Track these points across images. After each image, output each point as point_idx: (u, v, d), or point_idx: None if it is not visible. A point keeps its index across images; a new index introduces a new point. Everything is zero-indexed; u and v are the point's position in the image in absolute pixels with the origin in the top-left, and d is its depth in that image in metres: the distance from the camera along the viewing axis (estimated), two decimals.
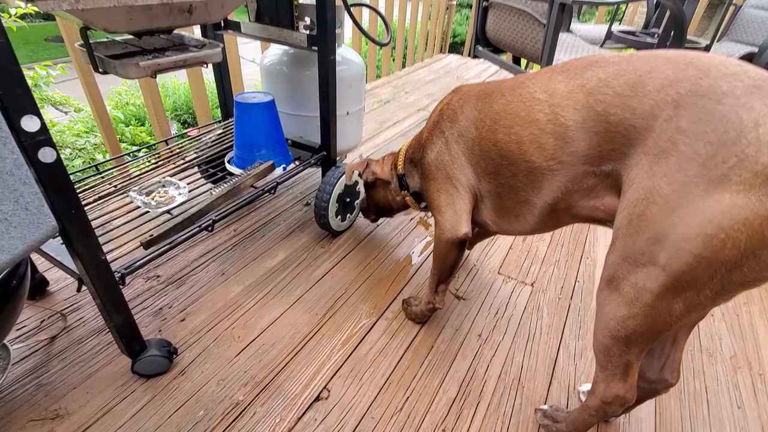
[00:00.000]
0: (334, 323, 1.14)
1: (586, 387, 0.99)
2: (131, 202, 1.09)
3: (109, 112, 1.60)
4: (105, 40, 0.99)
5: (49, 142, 0.63)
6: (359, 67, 1.49)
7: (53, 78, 2.95)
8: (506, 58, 2.78)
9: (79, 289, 0.82)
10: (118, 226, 1.00)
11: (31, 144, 0.61)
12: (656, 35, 2.45)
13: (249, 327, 1.10)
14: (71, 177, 0.73)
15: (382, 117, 2.57)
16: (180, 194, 1.14)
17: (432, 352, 1.08)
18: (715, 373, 1.08)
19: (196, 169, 1.38)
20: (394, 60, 3.51)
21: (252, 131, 1.25)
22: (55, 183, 0.66)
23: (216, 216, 1.05)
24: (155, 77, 0.92)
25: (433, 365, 1.04)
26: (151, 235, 0.94)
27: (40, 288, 1.14)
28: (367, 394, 0.97)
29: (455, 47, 5.80)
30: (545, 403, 0.97)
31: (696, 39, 2.38)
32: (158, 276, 1.25)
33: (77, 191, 1.07)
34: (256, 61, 3.33)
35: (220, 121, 1.56)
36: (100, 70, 0.90)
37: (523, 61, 2.41)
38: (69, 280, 1.19)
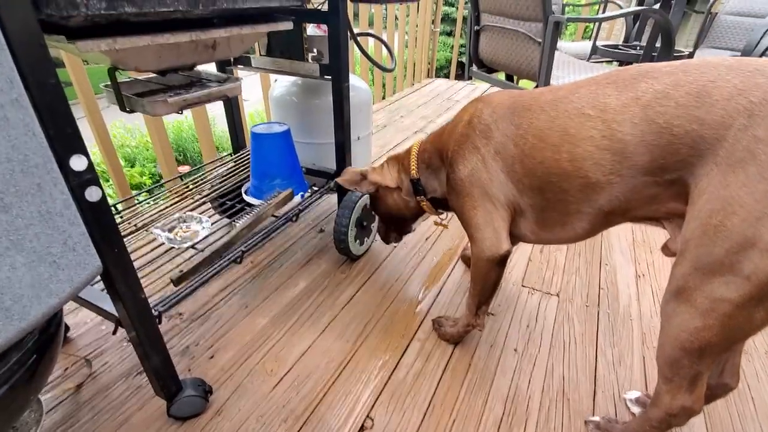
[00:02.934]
0: (367, 349, 1.11)
1: (632, 394, 0.98)
2: (154, 239, 1.08)
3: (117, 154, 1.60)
4: (127, 79, 1.00)
5: (96, 181, 0.62)
6: (366, 93, 1.52)
7: None
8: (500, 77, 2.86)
9: (115, 332, 0.80)
10: (145, 265, 0.98)
11: (78, 183, 0.60)
12: (639, 47, 2.56)
13: (281, 359, 1.07)
14: None
15: (382, 141, 2.60)
16: (203, 228, 1.12)
17: (470, 370, 1.06)
18: (755, 371, 1.08)
19: (209, 204, 1.37)
20: (385, 86, 3.59)
21: (269, 161, 1.26)
22: (100, 222, 0.65)
23: (244, 247, 1.04)
24: (182, 113, 0.93)
25: (474, 384, 1.02)
26: (181, 271, 0.92)
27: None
28: (412, 420, 0.94)
29: (438, 71, 5.97)
30: (593, 414, 0.95)
31: (679, 48, 2.49)
32: (181, 314, 1.22)
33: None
34: (244, 97, 3.38)
35: (231, 154, 1.57)
36: (127, 108, 0.90)
37: (515, 78, 2.48)
38: (90, 325, 1.15)
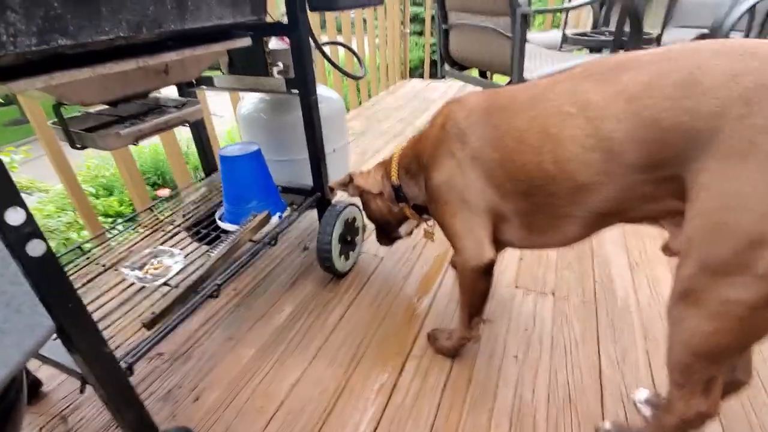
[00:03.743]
0: (362, 372, 1.06)
1: (642, 395, 0.94)
2: (124, 279, 1.01)
3: (80, 185, 1.51)
4: (78, 114, 0.94)
5: (37, 234, 0.56)
6: (338, 103, 1.47)
7: (17, 163, 2.93)
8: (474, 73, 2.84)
9: (82, 390, 0.73)
10: (114, 310, 0.91)
11: (17, 238, 0.54)
12: (607, 33, 2.56)
13: (270, 394, 1.01)
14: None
15: (361, 148, 2.55)
16: (176, 262, 1.06)
17: (472, 384, 1.01)
18: (763, 358, 1.05)
19: (184, 233, 1.30)
20: (359, 91, 3.54)
21: (241, 184, 1.20)
22: (47, 277, 0.58)
23: (220, 280, 0.97)
24: (137, 144, 0.86)
25: (477, 399, 0.98)
26: (153, 313, 0.86)
27: (33, 390, 1.02)
28: None
29: (413, 71, 5.95)
30: (603, 419, 0.91)
31: (647, 30, 2.50)
32: (161, 354, 1.15)
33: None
34: (218, 113, 3.30)
35: (202, 179, 1.50)
36: (78, 145, 0.83)
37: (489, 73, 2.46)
38: (63, 377, 1.08)
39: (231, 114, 1.93)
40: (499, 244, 0.91)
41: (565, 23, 2.56)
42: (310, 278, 1.41)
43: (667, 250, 0.74)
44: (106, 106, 0.93)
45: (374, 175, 1.13)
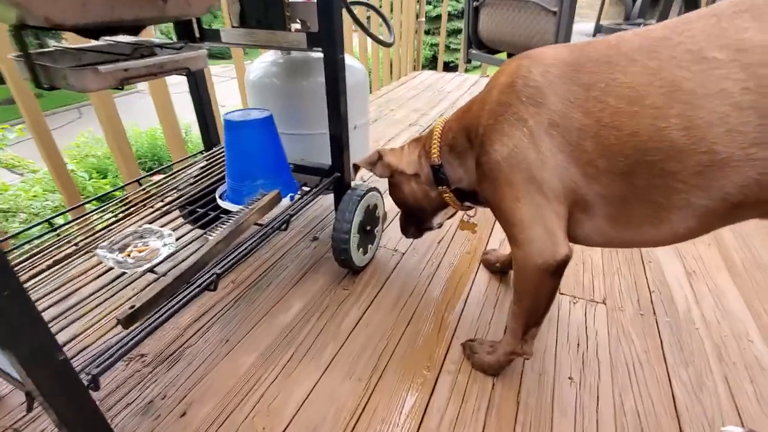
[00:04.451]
0: (385, 388, 0.87)
1: (734, 431, 0.76)
2: (100, 263, 0.82)
3: (67, 167, 1.32)
4: (52, 49, 0.74)
5: None
6: (363, 74, 1.28)
7: (9, 140, 2.79)
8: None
9: (29, 409, 0.54)
10: (83, 302, 0.72)
11: None
12: (643, 24, 2.39)
13: (275, 411, 0.82)
14: (12, 240, 0.47)
15: (374, 135, 2.36)
16: (165, 245, 0.87)
17: (521, 410, 0.83)
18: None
19: (177, 214, 1.11)
20: (369, 74, 3.36)
21: (248, 156, 1.01)
22: None
23: (219, 269, 0.79)
24: (122, 88, 0.67)
25: (529, 429, 0.79)
26: (133, 306, 0.67)
27: None
28: None
29: (423, 68, 5.77)
30: None
31: None
32: (143, 356, 0.96)
33: (22, 257, 0.80)
34: (222, 104, 3.11)
35: (202, 152, 1.31)
36: (45, 83, 0.64)
37: None
38: None
39: (233, 102, 1.73)
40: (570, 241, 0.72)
41: (600, 13, 2.38)
42: (321, 272, 1.23)
43: None
44: (89, 43, 0.74)
45: (409, 152, 0.95)
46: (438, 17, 8.21)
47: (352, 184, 1.18)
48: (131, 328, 0.66)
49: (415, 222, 1.06)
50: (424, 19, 4.09)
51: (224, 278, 1.20)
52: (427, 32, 7.67)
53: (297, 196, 1.08)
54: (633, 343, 0.98)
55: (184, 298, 0.75)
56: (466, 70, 4.10)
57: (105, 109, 1.36)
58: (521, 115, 0.68)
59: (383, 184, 1.17)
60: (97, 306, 0.70)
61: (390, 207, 1.58)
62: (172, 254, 0.84)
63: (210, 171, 1.19)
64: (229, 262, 0.82)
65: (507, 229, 0.75)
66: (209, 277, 0.76)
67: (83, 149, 4.02)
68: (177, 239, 0.88)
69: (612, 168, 0.61)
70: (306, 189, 1.12)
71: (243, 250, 0.87)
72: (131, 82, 0.68)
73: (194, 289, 0.76)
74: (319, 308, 1.09)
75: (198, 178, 1.16)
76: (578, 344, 0.98)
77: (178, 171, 1.20)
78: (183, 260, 0.77)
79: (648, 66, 0.55)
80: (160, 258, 0.83)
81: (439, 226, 1.09)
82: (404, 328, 1.03)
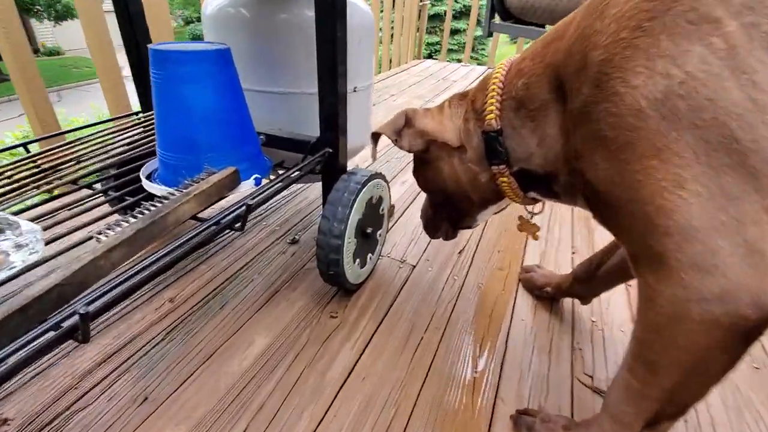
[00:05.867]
0: None
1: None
2: None
3: None
4: None
5: None
6: (368, 16, 0.93)
7: None
8: None
9: None
10: None
11: None
12: None
13: None
14: None
15: (373, 120, 2.01)
16: (25, 249, 0.50)
17: None
18: None
19: (89, 192, 0.74)
20: None
21: (191, 111, 0.65)
22: None
23: (88, 305, 0.42)
24: None
25: None
26: None
27: None
28: None
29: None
30: None
31: None
32: (7, 421, 0.59)
33: None
34: None
35: (138, 114, 0.94)
36: None
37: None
38: None
39: None
40: None
41: None
42: (300, 290, 0.87)
43: None
44: None
45: (452, 114, 0.60)
46: (436, 15, 7.92)
47: (349, 166, 0.83)
48: None
49: (451, 217, 0.71)
50: (427, 2, 3.76)
51: (157, 294, 0.83)
52: (428, 31, 7.38)
53: (265, 181, 0.72)
54: (760, 417, 0.65)
55: (37, 346, 0.39)
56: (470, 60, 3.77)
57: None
58: (705, 11, 0.34)
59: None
60: None
61: (396, 198, 1.23)
62: (32, 267, 0.48)
63: (147, 139, 0.83)
64: (116, 292, 0.45)
65: (646, 241, 0.40)
66: (71, 320, 0.40)
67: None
68: (48, 242, 0.52)
69: None
70: (282, 171, 0.77)
71: (171, 259, 0.51)
72: None
73: (54, 331, 0.40)
74: (294, 347, 0.73)
75: (131, 145, 0.80)
76: (686, 420, 0.64)
77: (98, 134, 0.83)
78: (43, 278, 0.41)
79: None
80: (8, 271, 0.46)
81: (477, 224, 0.74)
82: (420, 385, 0.68)
